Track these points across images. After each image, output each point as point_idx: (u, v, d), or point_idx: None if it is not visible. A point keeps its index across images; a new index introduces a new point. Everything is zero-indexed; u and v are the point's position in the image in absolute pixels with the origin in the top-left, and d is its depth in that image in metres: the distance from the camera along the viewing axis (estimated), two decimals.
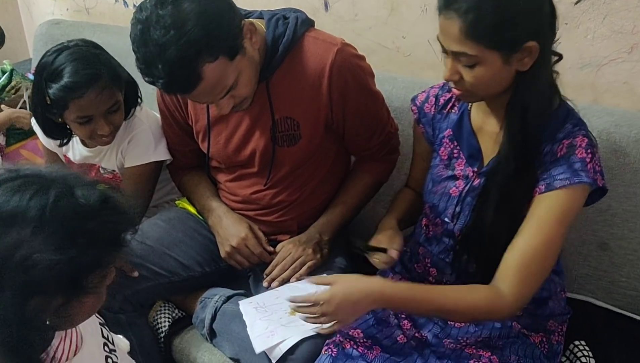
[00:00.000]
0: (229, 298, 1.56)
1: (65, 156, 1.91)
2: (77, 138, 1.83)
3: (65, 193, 0.92)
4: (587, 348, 1.48)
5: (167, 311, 1.68)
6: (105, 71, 1.62)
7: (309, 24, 1.52)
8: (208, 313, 1.55)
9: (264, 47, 1.46)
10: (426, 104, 1.47)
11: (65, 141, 1.80)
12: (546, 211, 1.24)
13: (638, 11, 1.55)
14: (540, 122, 1.24)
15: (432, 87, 1.48)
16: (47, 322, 0.93)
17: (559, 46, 1.65)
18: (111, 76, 1.64)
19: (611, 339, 1.52)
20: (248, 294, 1.61)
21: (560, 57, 1.28)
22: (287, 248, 1.61)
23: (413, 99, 1.50)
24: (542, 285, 1.30)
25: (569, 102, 1.31)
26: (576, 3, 1.62)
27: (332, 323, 1.27)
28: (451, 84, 1.27)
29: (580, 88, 1.69)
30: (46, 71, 1.60)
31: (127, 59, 2.37)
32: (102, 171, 1.87)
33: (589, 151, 1.23)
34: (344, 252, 1.70)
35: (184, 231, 1.70)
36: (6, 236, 0.88)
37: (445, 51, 1.22)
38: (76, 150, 1.86)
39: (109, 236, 0.95)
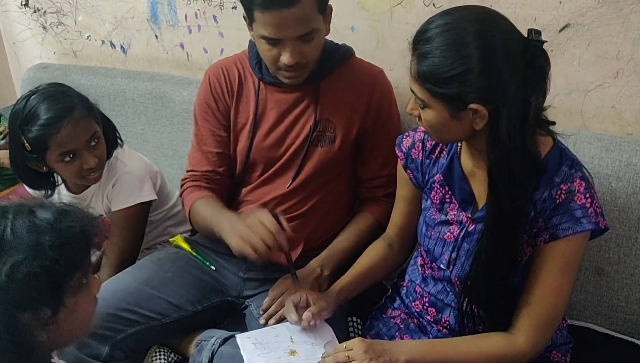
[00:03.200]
0: (225, 340, 1.53)
1: None
2: (62, 185, 1.82)
3: (23, 212, 1.00)
4: None
5: (162, 356, 1.64)
6: (77, 103, 1.65)
7: (354, 51, 1.70)
8: (205, 357, 1.51)
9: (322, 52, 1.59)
10: (413, 150, 1.45)
11: (50, 192, 1.78)
12: (552, 261, 1.24)
13: (621, 37, 1.58)
14: (523, 180, 1.19)
15: (416, 131, 1.46)
16: (44, 337, 0.98)
17: None
18: (84, 106, 1.66)
19: None
20: None
21: (552, 123, 1.26)
22: (285, 283, 1.59)
23: (398, 144, 1.48)
24: None
25: (560, 140, 1.29)
26: (560, 30, 1.64)
27: None
28: (417, 119, 1.27)
29: (569, 114, 1.70)
30: (20, 118, 1.61)
31: (115, 100, 2.40)
32: None
33: (587, 195, 1.22)
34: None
35: (174, 270, 1.67)
36: None
37: None
38: (62, 198, 1.84)
39: (76, 240, 1.01)
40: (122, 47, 2.60)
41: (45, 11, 2.73)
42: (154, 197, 1.80)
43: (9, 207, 1.00)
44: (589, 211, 1.21)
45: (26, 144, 1.61)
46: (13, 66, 3.12)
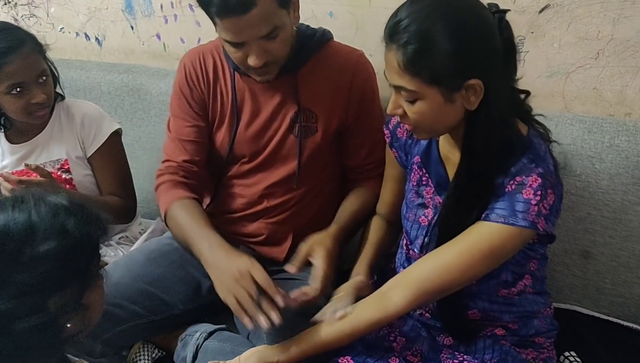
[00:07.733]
0: (210, 334, 1.51)
1: None
2: (4, 139, 1.82)
3: (40, 198, 1.00)
4: (577, 359, 1.46)
5: (146, 352, 1.63)
6: (28, 38, 1.69)
7: (331, 35, 1.65)
8: (189, 352, 1.49)
9: (294, 43, 1.54)
10: (398, 129, 1.43)
11: None
12: (473, 239, 1.19)
13: (601, 17, 1.57)
14: (498, 160, 1.18)
15: None
16: (68, 325, 0.99)
17: (526, 55, 1.68)
18: (35, 43, 1.70)
19: (600, 347, 1.52)
20: (230, 329, 1.55)
21: (528, 93, 1.25)
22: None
23: (387, 123, 1.47)
24: (526, 307, 1.33)
25: (539, 129, 1.26)
26: (540, 12, 1.63)
27: None
28: (399, 119, 1.24)
29: (551, 96, 1.69)
30: None
31: (91, 93, 2.36)
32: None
33: (538, 192, 1.14)
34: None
35: (165, 266, 1.64)
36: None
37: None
38: (6, 154, 1.82)
39: (94, 223, 1.03)
40: (97, 38, 2.55)
41: (16, 3, 2.66)
42: (119, 126, 1.88)
43: (27, 194, 1.01)
44: (532, 208, 1.14)
45: None
46: None
